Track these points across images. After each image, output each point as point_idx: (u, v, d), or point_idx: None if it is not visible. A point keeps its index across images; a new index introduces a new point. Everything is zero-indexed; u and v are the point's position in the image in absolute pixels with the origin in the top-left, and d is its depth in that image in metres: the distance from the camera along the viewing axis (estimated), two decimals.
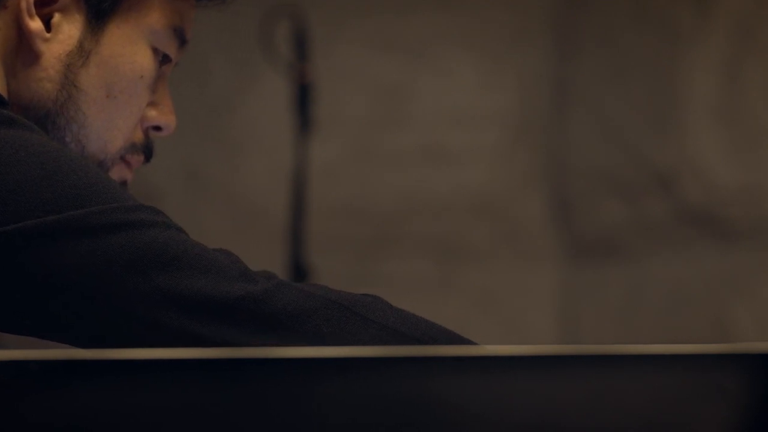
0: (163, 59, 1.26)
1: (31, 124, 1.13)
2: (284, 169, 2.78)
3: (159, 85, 1.28)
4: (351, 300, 1.09)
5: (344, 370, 0.83)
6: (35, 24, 1.20)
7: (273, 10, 2.72)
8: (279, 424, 0.83)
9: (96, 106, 1.22)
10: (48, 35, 1.21)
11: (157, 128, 1.29)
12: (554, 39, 3.33)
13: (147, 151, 1.29)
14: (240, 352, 0.91)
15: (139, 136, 1.28)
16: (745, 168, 3.01)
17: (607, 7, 3.25)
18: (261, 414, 0.83)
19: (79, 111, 1.21)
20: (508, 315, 3.32)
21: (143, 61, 1.24)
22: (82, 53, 1.21)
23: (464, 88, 3.32)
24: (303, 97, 2.69)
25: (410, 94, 3.30)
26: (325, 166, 3.07)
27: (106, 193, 1.08)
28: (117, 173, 1.26)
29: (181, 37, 1.26)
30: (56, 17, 1.21)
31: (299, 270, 2.64)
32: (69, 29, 1.21)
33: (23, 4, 1.20)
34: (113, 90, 1.22)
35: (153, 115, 1.28)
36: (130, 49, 1.23)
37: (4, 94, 1.20)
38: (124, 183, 1.27)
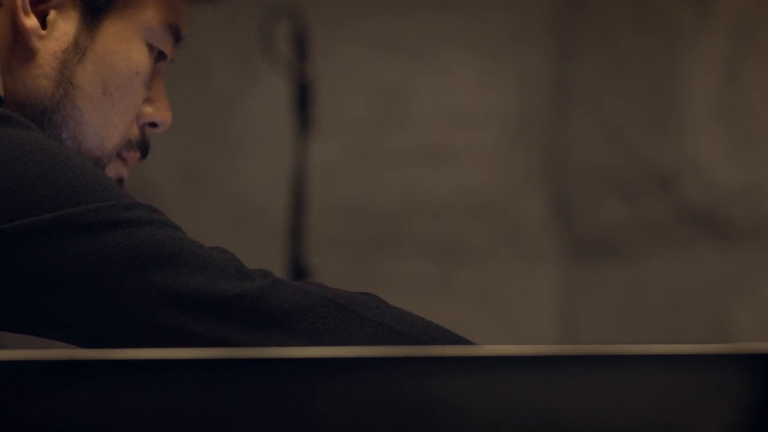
0: (158, 56, 1.26)
1: (28, 122, 1.13)
2: (284, 169, 2.78)
3: (154, 82, 1.28)
4: (347, 298, 1.09)
5: (345, 370, 0.83)
6: (31, 21, 1.20)
7: (273, 10, 2.72)
8: (279, 424, 0.83)
9: (92, 103, 1.22)
10: (43, 32, 1.21)
11: (153, 125, 1.29)
12: (554, 39, 3.33)
13: (143, 147, 1.29)
14: (240, 352, 0.91)
15: (135, 133, 1.28)
16: (745, 168, 3.01)
17: (607, 7, 3.25)
18: (261, 414, 0.83)
19: (75, 108, 1.21)
20: (508, 315, 3.32)
21: (139, 57, 1.24)
22: (77, 50, 1.21)
23: (464, 88, 3.32)
24: (303, 97, 2.69)
25: (410, 94, 3.30)
26: (325, 166, 3.07)
27: (103, 191, 1.08)
28: (113, 170, 1.26)
29: (176, 34, 1.27)
30: (51, 14, 1.21)
31: (299, 270, 2.64)
32: (64, 26, 1.21)
33: (19, 2, 1.20)
34: (109, 87, 1.23)
35: (149, 111, 1.28)
36: (125, 46, 1.23)
37: (0, 92, 1.20)
38: (120, 180, 1.27)
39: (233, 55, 3.26)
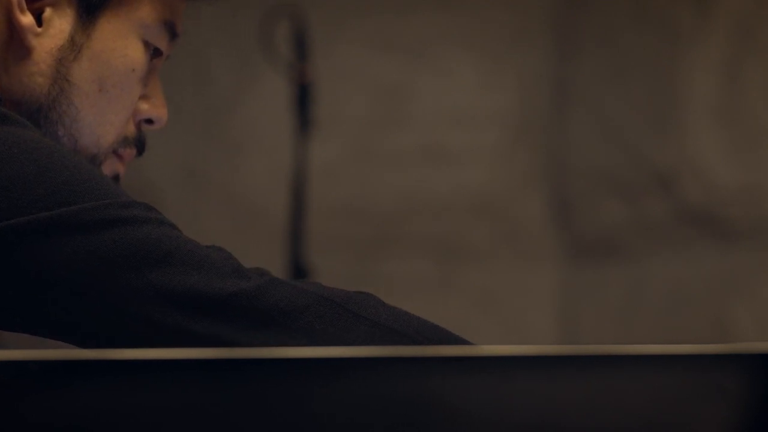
0: (154, 53, 1.26)
1: (24, 120, 1.14)
2: (284, 169, 2.78)
3: (150, 79, 1.28)
4: (343, 297, 1.10)
5: (343, 370, 0.83)
6: (26, 19, 1.20)
7: (273, 10, 2.72)
8: (278, 424, 0.83)
9: (88, 100, 1.22)
10: (39, 30, 1.21)
11: (150, 121, 1.29)
12: (554, 39, 3.33)
13: (139, 144, 1.29)
14: (239, 352, 0.91)
15: (131, 130, 1.28)
16: (745, 168, 3.01)
17: (607, 7, 3.25)
18: (261, 414, 0.83)
19: (71, 105, 1.21)
20: (508, 315, 3.32)
21: (135, 54, 1.24)
22: (73, 47, 1.21)
23: (464, 88, 3.32)
24: (303, 97, 2.69)
25: (410, 94, 3.30)
26: (325, 166, 3.07)
27: (99, 190, 1.08)
28: (109, 167, 1.26)
29: (171, 31, 1.27)
30: (47, 12, 1.21)
31: (299, 270, 2.64)
32: (60, 24, 1.21)
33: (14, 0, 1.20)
34: (105, 84, 1.23)
35: (145, 108, 1.28)
36: (121, 43, 1.23)
37: None
38: (116, 177, 1.27)
39: (233, 55, 3.26)
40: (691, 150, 3.07)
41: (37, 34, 1.21)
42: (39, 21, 1.21)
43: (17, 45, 1.21)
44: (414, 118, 3.30)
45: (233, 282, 1.07)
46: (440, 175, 3.30)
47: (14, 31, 1.21)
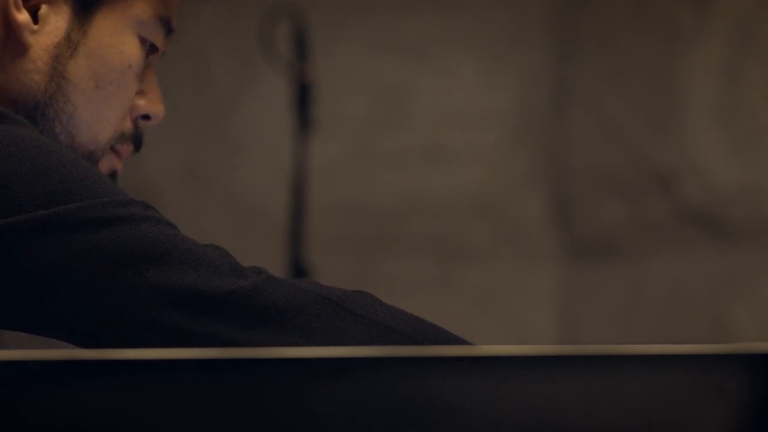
0: (150, 49, 1.26)
1: (21, 118, 1.14)
2: (284, 169, 2.78)
3: (147, 75, 1.28)
4: (341, 296, 1.10)
5: (344, 370, 0.83)
6: (22, 16, 1.21)
7: (273, 10, 2.72)
8: (278, 424, 0.83)
9: (85, 96, 1.22)
10: (35, 27, 1.21)
11: (146, 117, 1.29)
12: (554, 39, 3.33)
13: (136, 140, 1.29)
14: (240, 352, 0.91)
15: (128, 126, 1.28)
16: (745, 168, 3.01)
17: (607, 7, 3.25)
18: (260, 414, 0.83)
19: (68, 102, 1.21)
20: (508, 315, 3.32)
21: (131, 51, 1.24)
22: (69, 44, 1.21)
23: (464, 88, 3.32)
24: (303, 97, 2.69)
25: (410, 94, 3.30)
26: (325, 166, 3.08)
27: (97, 188, 1.08)
28: (107, 163, 1.26)
29: (167, 27, 1.27)
30: (43, 9, 1.21)
31: (299, 270, 2.64)
32: (56, 21, 1.22)
33: None
34: (102, 80, 1.23)
35: (141, 104, 1.28)
36: (117, 39, 1.23)
37: None
38: (114, 173, 1.27)
39: (233, 55, 3.26)
40: (691, 150, 3.07)
41: (34, 32, 1.21)
42: (35, 18, 1.21)
43: (13, 42, 1.21)
44: (414, 118, 3.30)
45: (231, 280, 1.07)
46: (440, 175, 3.30)
47: (10, 28, 1.21)
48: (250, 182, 3.27)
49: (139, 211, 1.08)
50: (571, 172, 3.33)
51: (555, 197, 3.35)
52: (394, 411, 0.83)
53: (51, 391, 0.82)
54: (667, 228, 3.12)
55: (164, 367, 0.83)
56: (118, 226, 1.06)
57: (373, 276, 3.21)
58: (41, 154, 1.08)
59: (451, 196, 3.31)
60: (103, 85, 1.23)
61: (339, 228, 3.25)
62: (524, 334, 3.30)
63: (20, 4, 1.21)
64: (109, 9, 1.23)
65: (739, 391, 0.84)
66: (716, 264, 3.05)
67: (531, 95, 3.34)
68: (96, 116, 1.23)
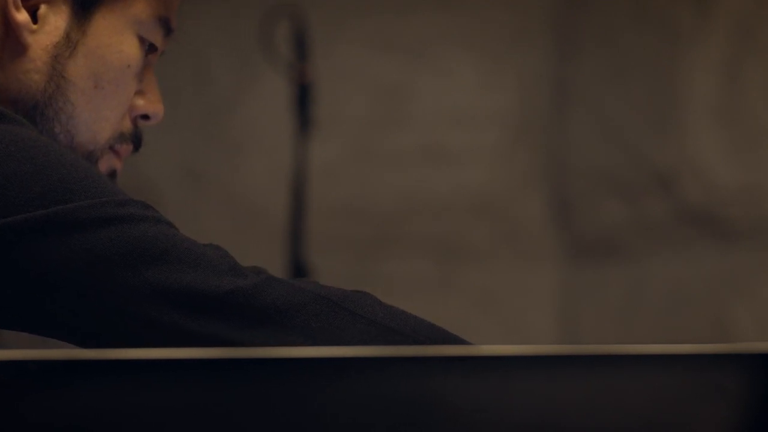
0: (149, 48, 1.26)
1: (21, 118, 1.14)
2: (284, 169, 2.78)
3: (146, 75, 1.28)
4: (340, 295, 1.10)
5: (344, 370, 0.83)
6: (22, 16, 1.21)
7: (273, 10, 2.72)
8: (279, 423, 0.83)
9: (84, 96, 1.22)
10: (35, 27, 1.21)
11: (145, 117, 1.29)
12: (554, 39, 3.33)
13: (136, 140, 1.29)
14: (240, 352, 0.91)
15: (127, 126, 1.28)
16: (745, 168, 3.01)
17: (607, 7, 3.25)
18: (261, 414, 0.82)
19: (67, 102, 1.22)
20: (508, 315, 3.32)
21: (130, 50, 1.24)
22: (69, 44, 1.21)
23: (464, 88, 3.32)
24: (303, 97, 2.69)
25: (410, 94, 3.30)
26: (325, 166, 3.08)
27: (96, 188, 1.08)
28: (106, 163, 1.26)
29: (166, 27, 1.27)
30: (42, 9, 1.21)
31: (299, 270, 2.64)
32: (55, 20, 1.22)
33: None
34: (101, 80, 1.23)
35: (141, 104, 1.28)
36: (116, 39, 1.23)
37: None
38: (113, 173, 1.27)
39: (233, 55, 3.26)
40: (691, 150, 3.07)
41: (33, 31, 1.21)
42: (34, 18, 1.21)
43: (13, 42, 1.21)
44: (414, 118, 3.30)
45: (230, 280, 1.07)
46: (440, 175, 3.30)
47: (9, 28, 1.21)
48: (250, 182, 3.27)
49: (138, 211, 1.08)
50: (571, 172, 3.33)
51: (555, 197, 3.35)
52: (394, 411, 0.83)
53: (51, 391, 0.82)
54: (667, 228, 3.12)
55: (164, 367, 0.83)
56: (117, 225, 1.06)
57: (373, 276, 3.21)
58: (40, 153, 1.08)
59: (451, 196, 3.30)
60: (102, 84, 1.23)
61: (339, 228, 3.25)
62: (524, 334, 3.30)
63: (19, 3, 1.21)
64: (108, 9, 1.23)
65: (739, 391, 0.84)
66: (716, 264, 3.05)
67: (531, 95, 3.34)
68: (95, 116, 1.23)
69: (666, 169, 3.12)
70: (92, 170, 1.11)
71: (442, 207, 3.31)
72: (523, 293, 3.33)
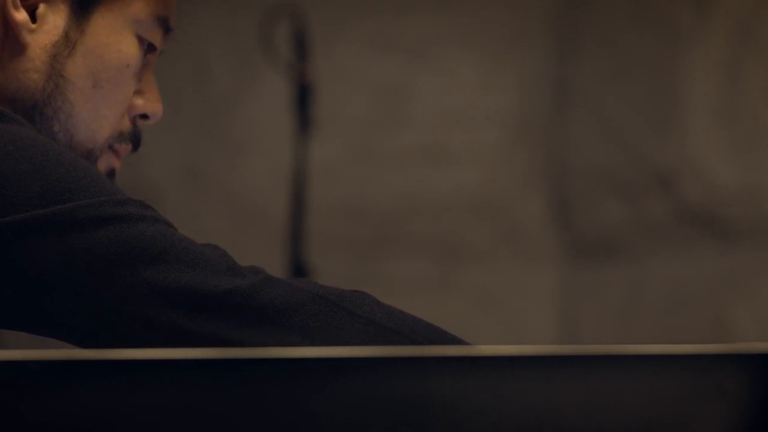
0: (148, 48, 1.27)
1: (20, 117, 1.14)
2: (284, 169, 2.78)
3: (145, 74, 1.28)
4: (338, 295, 1.10)
5: (343, 370, 0.83)
6: (20, 15, 1.21)
7: (273, 10, 2.72)
8: (278, 424, 0.83)
9: (83, 95, 1.22)
10: (33, 26, 1.21)
11: (144, 116, 1.29)
12: (554, 39, 3.33)
13: (135, 139, 1.29)
14: (239, 352, 0.91)
15: (126, 125, 1.28)
16: (745, 168, 3.01)
17: (607, 7, 3.25)
18: (260, 414, 0.83)
19: (66, 101, 1.22)
20: (508, 315, 3.32)
21: (129, 50, 1.24)
22: (67, 43, 1.21)
23: (464, 88, 3.32)
24: (303, 97, 2.69)
25: (410, 94, 3.30)
26: (325, 166, 3.07)
27: (95, 187, 1.08)
28: (105, 162, 1.26)
29: (165, 26, 1.27)
30: (41, 8, 1.21)
31: (299, 270, 2.64)
32: (54, 20, 1.22)
33: None
34: (100, 79, 1.23)
35: (140, 103, 1.28)
36: (115, 38, 1.23)
37: None
38: (112, 172, 1.27)
39: (233, 55, 3.26)
40: (691, 150, 3.07)
41: (32, 31, 1.21)
42: (33, 17, 1.21)
43: (11, 42, 1.21)
44: (414, 118, 3.30)
45: (228, 279, 1.07)
46: (440, 175, 3.30)
47: (8, 28, 1.21)
48: (250, 182, 3.27)
49: (137, 210, 1.08)
50: (571, 172, 3.33)
51: (555, 197, 3.35)
52: (393, 411, 0.83)
53: (51, 391, 0.82)
54: (667, 228, 3.12)
55: (164, 367, 0.83)
56: (115, 225, 1.06)
57: (373, 276, 3.21)
58: (39, 153, 1.08)
59: (451, 196, 3.30)
60: (101, 84, 1.23)
61: (339, 228, 3.25)
62: (524, 334, 3.30)
63: (18, 3, 1.21)
64: (107, 8, 1.23)
65: (739, 391, 0.84)
66: (716, 264, 3.05)
67: (531, 95, 3.34)
68: (94, 115, 1.23)
69: (666, 169, 3.12)
70: (91, 169, 1.11)
71: (442, 207, 3.31)
72: (523, 293, 3.33)
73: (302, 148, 2.70)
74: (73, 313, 1.06)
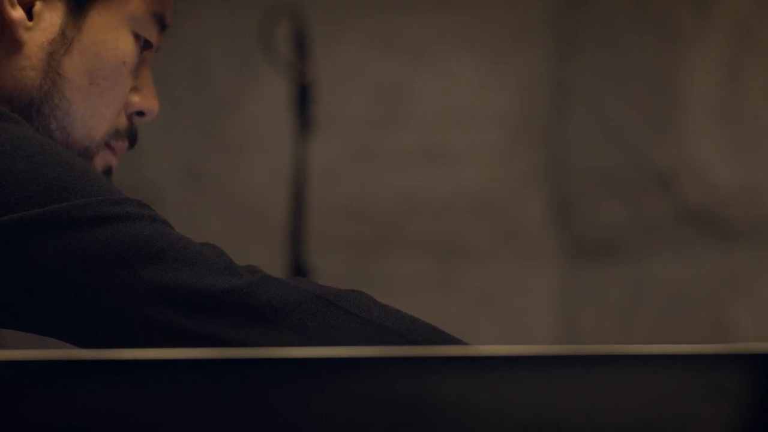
0: (144, 45, 1.27)
1: (17, 116, 1.14)
2: (284, 169, 2.78)
3: (141, 71, 1.28)
4: (335, 294, 1.10)
5: (342, 370, 0.83)
6: (17, 13, 1.21)
7: (273, 10, 2.72)
8: (277, 424, 0.83)
9: (80, 93, 1.22)
10: (30, 24, 1.21)
11: (141, 113, 1.29)
12: (554, 39, 3.33)
13: (131, 136, 1.29)
14: (239, 352, 0.91)
15: (123, 122, 1.28)
16: (745, 168, 3.01)
17: (607, 7, 3.25)
18: (259, 414, 0.82)
19: (63, 98, 1.22)
20: (508, 315, 3.32)
21: (125, 47, 1.24)
22: (64, 41, 1.22)
23: (464, 88, 3.32)
24: (303, 97, 2.69)
25: (410, 94, 3.30)
26: (325, 166, 3.07)
27: (92, 186, 1.08)
28: (102, 159, 1.26)
29: (161, 23, 1.27)
30: (38, 5, 1.21)
31: (299, 270, 2.64)
32: (51, 17, 1.22)
33: None
34: (96, 77, 1.23)
35: (136, 100, 1.28)
36: (111, 35, 1.23)
37: None
38: (109, 169, 1.27)
39: (233, 55, 3.26)
40: (691, 150, 3.07)
41: (28, 28, 1.21)
42: (30, 15, 1.21)
43: (8, 39, 1.21)
44: (414, 118, 3.30)
45: (225, 279, 1.07)
46: (440, 175, 3.30)
47: (5, 25, 1.21)
48: (250, 182, 3.27)
49: (134, 210, 1.08)
50: (571, 172, 3.33)
51: (555, 197, 3.34)
52: (393, 411, 0.83)
53: (51, 391, 0.82)
54: (667, 228, 3.12)
55: (163, 367, 0.83)
56: (112, 224, 1.06)
57: (373, 276, 3.21)
58: (37, 152, 1.08)
59: (451, 196, 3.30)
60: (98, 81, 1.23)
61: (339, 228, 3.25)
62: (524, 334, 3.30)
63: (14, 1, 1.21)
64: (103, 5, 1.23)
65: (739, 391, 0.84)
66: (716, 264, 3.05)
67: (531, 95, 3.34)
68: (91, 112, 1.23)
69: (666, 169, 3.12)
70: (88, 169, 1.11)
71: (442, 207, 3.31)
72: (523, 293, 3.33)
73: (302, 148, 2.70)
74: (71, 312, 1.06)
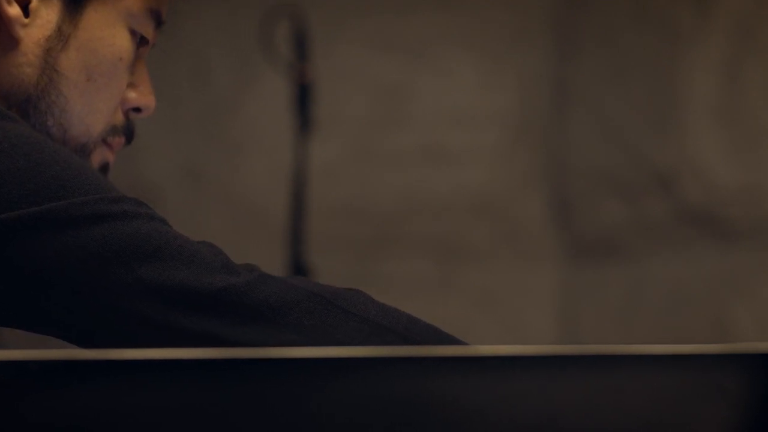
0: (140, 41, 1.27)
1: (14, 115, 1.14)
2: (284, 169, 2.78)
3: (137, 67, 1.28)
4: (333, 293, 1.10)
5: (342, 370, 0.83)
6: (13, 10, 1.21)
7: (273, 10, 2.72)
8: (277, 424, 0.83)
9: (77, 89, 1.22)
10: (26, 20, 1.21)
11: (137, 110, 1.29)
12: (554, 39, 3.33)
13: (128, 132, 1.29)
14: (239, 352, 0.91)
15: (119, 119, 1.28)
16: (745, 168, 3.01)
17: (607, 7, 3.25)
18: (259, 414, 0.82)
19: (60, 95, 1.22)
20: (508, 315, 3.32)
21: (122, 43, 1.24)
22: (61, 37, 1.22)
23: (464, 88, 3.32)
24: (303, 97, 2.69)
25: (410, 94, 3.30)
26: (325, 166, 3.07)
27: (89, 185, 1.08)
28: (99, 156, 1.26)
29: (157, 19, 1.27)
30: (34, 2, 1.21)
31: (299, 270, 2.64)
32: (47, 14, 1.22)
33: None
34: (93, 73, 1.23)
35: (133, 96, 1.28)
36: (108, 32, 1.23)
37: None
38: (106, 165, 1.27)
39: (233, 55, 3.26)
40: (691, 150, 3.07)
41: (25, 25, 1.21)
42: (26, 11, 1.21)
43: (5, 36, 1.21)
44: (414, 118, 3.30)
45: (222, 277, 1.07)
46: (440, 175, 3.30)
47: (1, 22, 1.21)
48: (250, 182, 3.27)
49: (132, 208, 1.08)
50: (571, 172, 3.33)
51: (555, 197, 3.35)
52: (393, 411, 0.83)
53: (51, 391, 0.82)
54: (667, 228, 3.12)
55: (163, 367, 0.83)
56: (110, 222, 1.07)
57: (373, 276, 3.21)
58: (34, 150, 1.08)
59: (451, 196, 3.30)
60: (95, 77, 1.23)
61: (339, 228, 3.25)
62: (524, 334, 3.30)
63: None
64: (99, 2, 1.23)
65: (739, 391, 0.84)
66: (716, 264, 3.05)
67: (531, 95, 3.34)
68: (88, 109, 1.23)
69: (666, 169, 3.12)
70: (86, 167, 1.11)
71: (442, 207, 3.31)
72: (523, 293, 3.33)
73: (302, 148, 2.70)
74: (69, 311, 1.06)
